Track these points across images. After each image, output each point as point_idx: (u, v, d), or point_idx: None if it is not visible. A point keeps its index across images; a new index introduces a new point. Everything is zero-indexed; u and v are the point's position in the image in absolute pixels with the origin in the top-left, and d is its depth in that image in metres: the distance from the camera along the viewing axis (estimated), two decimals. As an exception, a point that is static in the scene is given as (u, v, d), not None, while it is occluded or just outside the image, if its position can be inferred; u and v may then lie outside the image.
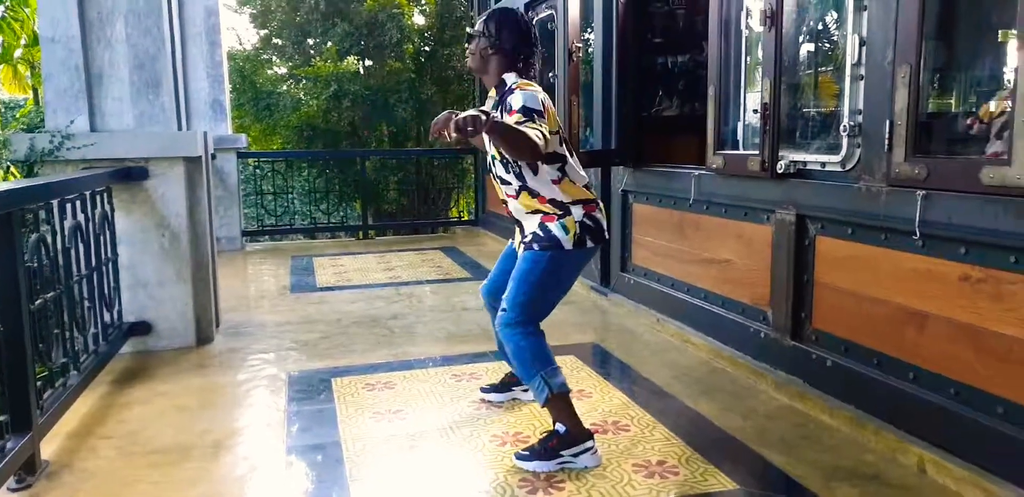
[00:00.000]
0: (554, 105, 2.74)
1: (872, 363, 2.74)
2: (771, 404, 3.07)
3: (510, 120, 2.44)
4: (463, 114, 2.16)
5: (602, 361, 3.72)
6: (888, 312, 2.66)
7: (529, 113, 2.44)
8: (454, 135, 2.17)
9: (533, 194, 2.61)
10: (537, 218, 2.62)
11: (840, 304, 2.91)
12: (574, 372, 3.45)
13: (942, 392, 2.44)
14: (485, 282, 2.98)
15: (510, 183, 2.64)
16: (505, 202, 2.73)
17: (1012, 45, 2.45)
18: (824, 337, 3.00)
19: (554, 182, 2.59)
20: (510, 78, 2.63)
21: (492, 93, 2.73)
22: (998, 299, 2.25)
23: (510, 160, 2.57)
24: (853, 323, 2.85)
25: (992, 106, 2.61)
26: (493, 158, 2.70)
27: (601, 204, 2.69)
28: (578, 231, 2.57)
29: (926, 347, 2.51)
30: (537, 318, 2.62)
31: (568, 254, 2.58)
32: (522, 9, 6.53)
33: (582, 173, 2.67)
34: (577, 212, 2.59)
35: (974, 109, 2.82)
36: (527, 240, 2.64)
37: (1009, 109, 2.24)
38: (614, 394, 3.18)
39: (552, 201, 2.60)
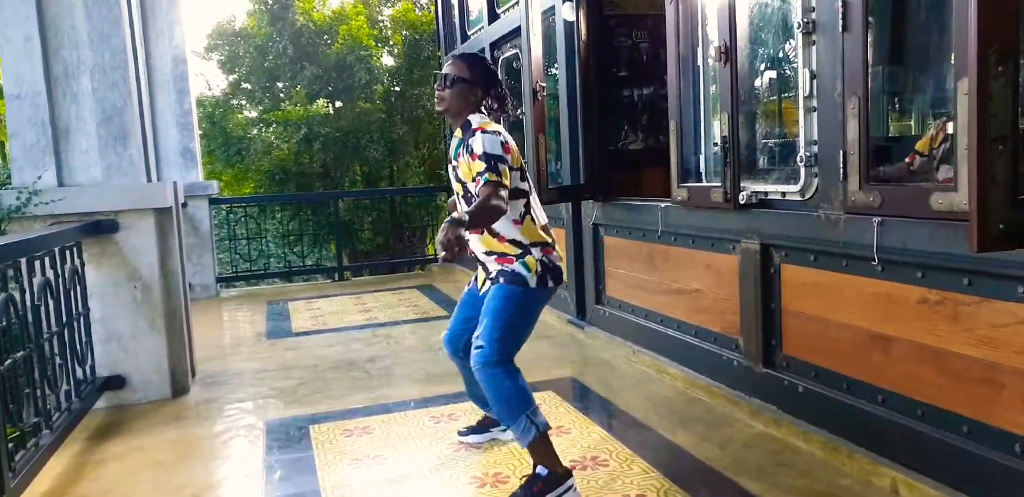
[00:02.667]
0: (522, 142, 2.81)
1: (842, 387, 2.78)
2: (747, 432, 3.09)
3: (474, 165, 2.53)
4: (439, 238, 2.24)
5: (580, 396, 3.73)
6: (854, 336, 2.71)
7: (490, 160, 2.50)
8: (446, 255, 2.24)
9: (493, 233, 2.65)
10: (495, 260, 2.68)
11: (808, 330, 2.96)
12: (553, 408, 3.46)
13: (909, 414, 2.48)
14: (446, 332, 2.96)
15: None
16: (467, 240, 2.75)
17: (951, 73, 2.55)
18: (795, 363, 3.04)
19: (515, 222, 2.64)
20: (474, 119, 2.70)
21: (457, 133, 2.78)
22: (956, 320, 2.30)
23: (474, 195, 2.61)
24: (821, 348, 2.89)
25: (931, 136, 2.70)
26: (457, 195, 2.75)
27: (557, 249, 2.73)
28: (539, 269, 2.62)
29: (892, 370, 2.56)
30: (512, 355, 2.62)
31: (533, 292, 2.62)
32: (488, 48, 6.69)
33: (542, 214, 2.74)
34: (536, 252, 2.64)
35: (919, 138, 2.91)
36: (492, 276, 2.68)
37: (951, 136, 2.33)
38: (592, 429, 3.19)
39: (512, 241, 2.65)
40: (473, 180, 2.58)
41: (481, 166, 2.51)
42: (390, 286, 7.61)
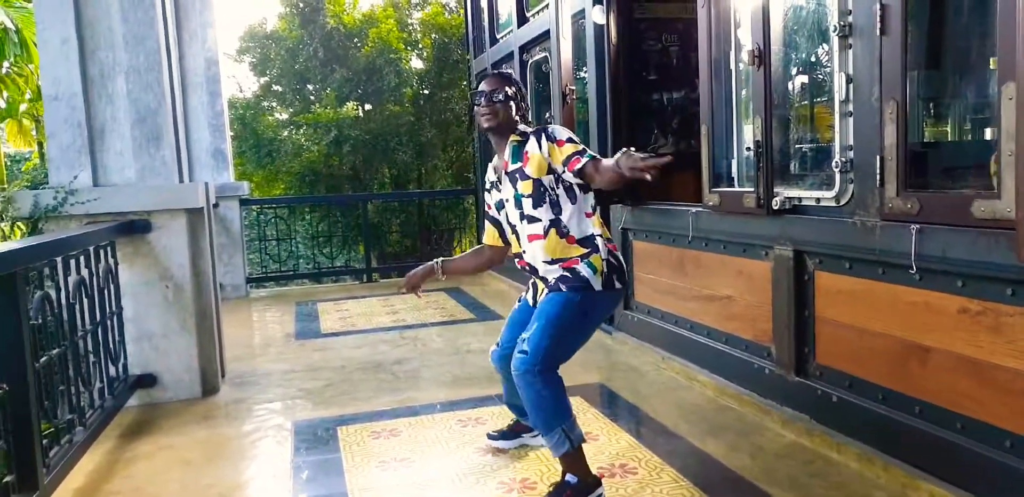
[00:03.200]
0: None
1: (877, 398, 2.73)
2: (778, 441, 3.05)
3: (562, 150, 2.55)
4: (634, 161, 2.29)
5: (609, 402, 3.70)
6: (890, 346, 2.66)
7: (577, 143, 2.58)
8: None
9: (562, 233, 2.59)
10: (558, 266, 2.60)
11: (842, 339, 2.91)
12: (581, 413, 3.42)
13: (949, 426, 2.43)
14: (495, 348, 2.91)
15: (539, 220, 2.61)
16: (521, 254, 2.71)
17: (995, 76, 2.50)
18: (828, 372, 2.99)
19: (587, 215, 2.63)
20: (525, 128, 2.75)
21: (513, 139, 2.71)
22: (997, 332, 2.25)
23: (547, 188, 2.59)
24: (856, 358, 2.84)
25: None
26: (519, 197, 2.65)
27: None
28: (605, 270, 2.58)
29: (930, 381, 2.50)
30: (557, 364, 2.55)
31: (598, 296, 2.57)
32: (517, 51, 6.69)
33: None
34: (603, 249, 2.61)
35: (958, 144, 2.85)
36: (551, 284, 2.62)
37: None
38: (621, 436, 3.16)
39: (581, 241, 2.60)
40: (557, 177, 2.59)
41: (575, 147, 2.55)
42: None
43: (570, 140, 2.59)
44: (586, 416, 3.41)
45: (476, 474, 2.85)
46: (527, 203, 2.64)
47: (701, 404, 3.56)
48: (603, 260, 2.59)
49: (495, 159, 2.84)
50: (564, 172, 2.57)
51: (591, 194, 2.67)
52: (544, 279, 2.67)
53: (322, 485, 2.83)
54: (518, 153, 2.68)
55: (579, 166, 2.51)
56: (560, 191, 2.61)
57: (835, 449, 2.85)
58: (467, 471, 2.88)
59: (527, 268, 2.72)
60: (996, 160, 2.20)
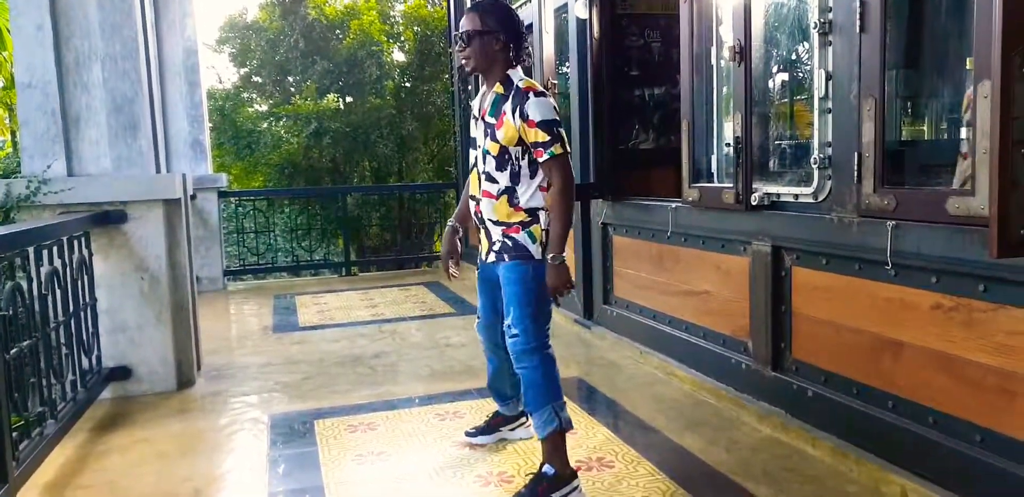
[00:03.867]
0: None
1: (852, 392, 2.75)
2: (754, 436, 3.07)
3: (530, 132, 2.51)
4: (555, 284, 2.52)
5: (587, 396, 3.71)
6: (865, 341, 2.68)
7: (551, 127, 2.51)
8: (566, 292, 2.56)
9: (512, 202, 2.60)
10: (500, 229, 2.64)
11: (818, 334, 2.93)
12: (558, 407, 3.44)
13: (921, 421, 2.46)
14: (479, 320, 2.94)
15: (497, 182, 2.61)
16: (477, 200, 2.69)
17: (971, 75, 2.52)
18: (804, 367, 3.02)
19: (542, 189, 2.61)
20: (516, 75, 2.61)
21: (498, 89, 2.61)
22: (970, 327, 2.28)
23: (512, 157, 2.57)
24: (832, 353, 2.87)
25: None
26: (486, 152, 2.63)
27: None
28: (544, 238, 2.60)
29: (903, 376, 2.53)
30: (547, 335, 2.63)
31: (539, 264, 2.59)
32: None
33: None
34: (543, 219, 2.61)
35: (934, 141, 2.88)
36: (496, 248, 2.65)
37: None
38: (598, 430, 3.17)
39: (527, 210, 2.60)
40: (525, 149, 2.56)
41: (544, 137, 2.49)
42: (397, 282, 7.60)
43: (543, 123, 2.49)
44: (564, 410, 3.41)
45: (453, 468, 2.85)
46: (491, 162, 2.62)
47: (678, 398, 3.57)
48: (543, 230, 2.61)
49: (483, 87, 2.74)
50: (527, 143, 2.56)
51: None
52: (488, 233, 2.69)
53: (298, 479, 2.81)
54: (497, 107, 2.60)
55: (540, 161, 2.54)
56: (524, 163, 2.59)
57: (810, 443, 2.88)
58: (444, 465, 2.88)
59: (478, 215, 2.72)
60: (965, 156, 2.22)
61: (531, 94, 2.52)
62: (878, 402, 2.63)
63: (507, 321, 2.63)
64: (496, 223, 2.65)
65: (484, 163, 2.64)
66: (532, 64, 2.76)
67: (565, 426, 2.58)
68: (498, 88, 2.62)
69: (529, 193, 2.61)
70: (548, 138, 2.50)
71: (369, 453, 3.00)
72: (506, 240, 2.62)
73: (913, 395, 2.50)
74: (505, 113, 2.56)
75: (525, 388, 2.62)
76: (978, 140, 2.15)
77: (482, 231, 2.74)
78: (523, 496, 2.50)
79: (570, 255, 2.74)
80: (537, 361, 2.58)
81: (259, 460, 3.00)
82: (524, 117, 2.51)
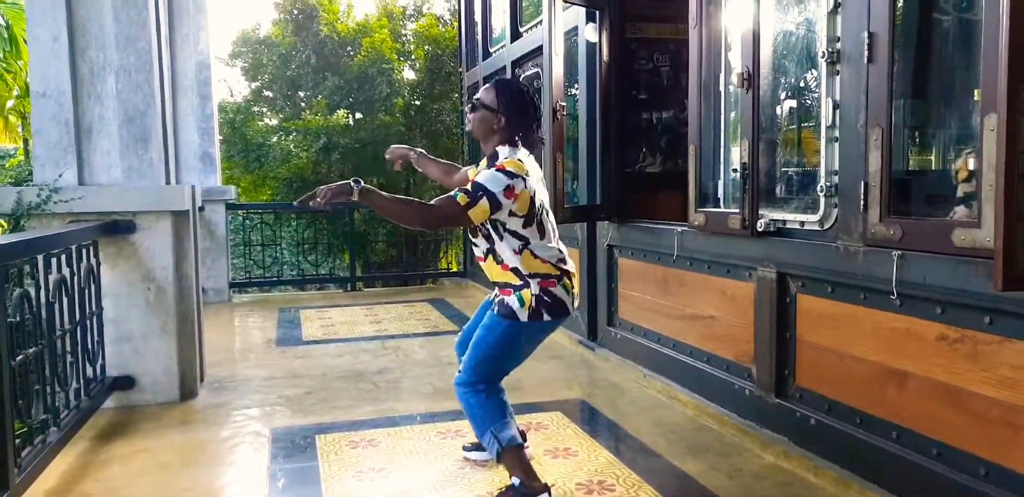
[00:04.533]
0: (541, 165, 2.83)
1: (855, 422, 2.75)
2: (757, 463, 3.06)
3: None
4: (328, 187, 2.51)
5: (589, 418, 3.70)
6: (869, 371, 2.68)
7: (475, 189, 2.50)
8: (318, 200, 2.51)
9: (498, 260, 2.69)
10: (496, 289, 2.76)
11: (822, 362, 2.93)
12: (560, 429, 3.44)
13: (924, 452, 2.45)
14: (459, 336, 3.06)
15: (478, 245, 2.74)
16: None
17: (978, 107, 2.54)
18: (808, 395, 3.01)
19: (515, 252, 2.65)
20: (503, 152, 2.69)
21: (483, 162, 2.79)
22: (975, 359, 2.28)
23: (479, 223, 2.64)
24: (836, 381, 2.86)
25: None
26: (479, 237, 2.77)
27: (568, 279, 2.70)
28: (533, 304, 2.63)
29: (907, 407, 2.53)
30: (489, 380, 2.71)
31: (523, 326, 2.65)
32: (509, 66, 6.73)
33: (553, 248, 2.70)
34: (534, 286, 2.65)
35: (950, 168, 2.90)
36: (495, 300, 2.76)
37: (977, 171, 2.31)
38: (600, 452, 3.17)
39: (514, 270, 2.67)
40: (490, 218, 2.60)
41: (468, 187, 2.52)
42: (402, 298, 7.61)
43: (475, 183, 2.51)
44: (565, 432, 3.41)
45: (453, 485, 2.84)
46: (469, 229, 2.73)
47: (681, 423, 3.57)
48: (532, 296, 2.63)
49: None
50: None
51: (515, 241, 2.62)
52: (495, 285, 2.79)
53: (298, 493, 2.81)
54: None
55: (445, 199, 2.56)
56: (488, 227, 2.64)
57: (812, 472, 2.87)
58: (444, 482, 2.87)
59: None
60: (966, 180, 2.23)
61: (495, 169, 2.56)
62: (882, 432, 2.63)
63: (466, 355, 2.75)
64: (494, 284, 2.76)
65: (468, 230, 2.75)
66: (542, 145, 2.87)
67: (507, 445, 2.63)
68: (484, 162, 2.78)
69: (506, 254, 2.65)
70: (468, 189, 2.51)
71: (370, 469, 3.00)
72: (502, 298, 2.71)
73: (917, 426, 2.49)
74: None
75: (468, 418, 2.74)
76: (984, 173, 2.17)
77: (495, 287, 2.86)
78: None
79: (574, 284, 2.76)
80: (470, 393, 2.69)
81: (259, 473, 3.00)
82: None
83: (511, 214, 2.57)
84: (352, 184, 2.48)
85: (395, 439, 3.34)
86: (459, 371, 2.75)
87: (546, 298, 2.64)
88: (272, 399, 4.02)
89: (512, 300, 2.65)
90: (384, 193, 2.53)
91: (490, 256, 2.71)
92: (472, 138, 2.82)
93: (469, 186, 2.53)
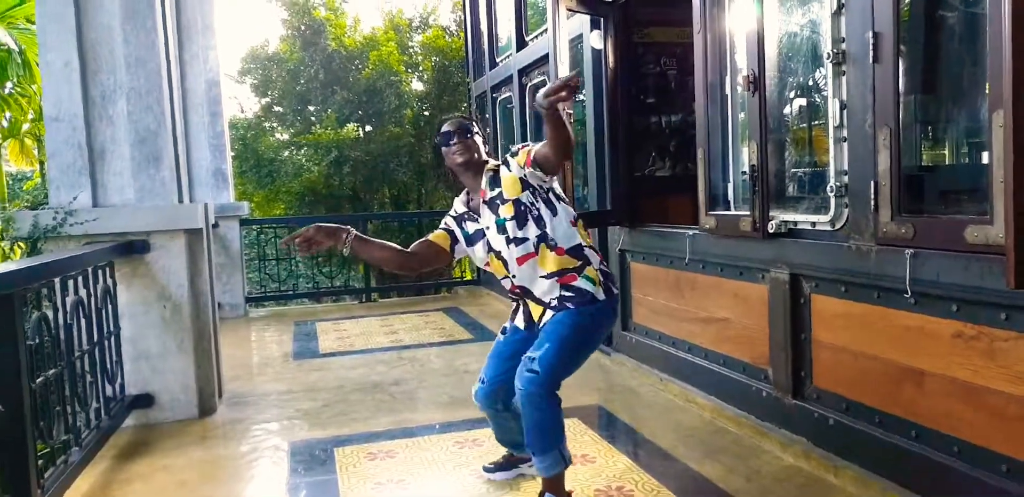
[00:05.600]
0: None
1: (874, 421, 2.73)
2: (776, 464, 3.04)
3: (519, 158, 2.63)
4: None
5: (606, 424, 3.69)
6: (886, 370, 2.66)
7: (527, 145, 2.64)
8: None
9: (551, 245, 2.60)
10: (555, 283, 2.61)
11: (839, 362, 2.91)
12: (578, 436, 3.43)
13: (945, 450, 2.43)
14: (481, 385, 2.82)
15: (526, 239, 2.61)
16: (511, 278, 2.68)
17: (986, 104, 2.53)
18: (825, 395, 3.00)
19: (572, 223, 2.65)
20: (491, 161, 2.77)
21: (481, 182, 2.72)
22: (992, 356, 2.26)
23: (527, 205, 2.59)
24: (853, 381, 2.85)
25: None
26: (502, 222, 2.64)
27: None
28: (601, 279, 2.63)
29: (926, 405, 2.51)
30: (561, 383, 2.57)
31: (604, 306, 2.62)
32: (516, 75, 6.75)
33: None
34: (594, 259, 2.65)
35: (954, 167, 2.88)
36: (554, 306, 2.62)
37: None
38: (618, 458, 3.16)
39: (570, 252, 2.60)
40: (533, 189, 2.63)
41: (524, 148, 2.63)
42: (417, 308, 7.62)
43: (523, 145, 2.67)
44: (583, 438, 3.40)
45: (472, 496, 2.84)
46: (511, 226, 2.62)
47: (698, 426, 3.55)
48: (596, 270, 2.63)
49: (462, 195, 2.83)
50: (528, 173, 2.60)
51: (569, 206, 2.71)
52: (540, 301, 2.66)
53: (317, 507, 2.82)
54: (495, 181, 2.69)
55: (531, 152, 2.59)
56: (540, 205, 2.62)
57: (832, 472, 2.85)
58: (463, 493, 2.88)
59: (518, 291, 2.70)
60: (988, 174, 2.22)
61: (507, 156, 2.70)
62: (901, 431, 2.60)
63: (532, 354, 2.54)
64: (548, 276, 2.61)
65: (505, 233, 2.64)
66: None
67: (568, 463, 2.60)
68: (488, 169, 2.74)
69: (561, 230, 2.61)
70: (528, 144, 2.65)
71: (388, 481, 3.00)
72: (566, 292, 2.60)
73: (936, 424, 2.47)
74: (501, 176, 2.66)
75: (528, 431, 2.56)
76: (994, 169, 2.16)
77: (526, 304, 2.74)
78: None
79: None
80: (547, 402, 2.51)
81: (279, 488, 3.01)
82: (513, 154, 2.66)
83: (543, 176, 2.63)
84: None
85: (413, 450, 3.35)
86: (527, 379, 2.49)
87: (606, 269, 2.69)
88: (290, 413, 4.04)
89: (581, 283, 2.59)
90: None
91: (542, 245, 2.60)
92: (461, 166, 2.72)
93: (523, 149, 2.63)
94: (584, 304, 2.58)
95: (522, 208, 2.61)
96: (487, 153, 2.79)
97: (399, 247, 2.82)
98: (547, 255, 2.60)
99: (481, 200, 2.72)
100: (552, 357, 2.50)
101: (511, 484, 2.94)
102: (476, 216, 2.75)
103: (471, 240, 2.77)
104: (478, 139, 2.74)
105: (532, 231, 2.61)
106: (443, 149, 2.75)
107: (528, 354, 2.56)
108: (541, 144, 2.57)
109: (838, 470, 2.82)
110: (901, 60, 2.61)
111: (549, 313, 2.64)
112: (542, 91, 2.34)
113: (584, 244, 2.65)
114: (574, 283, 2.60)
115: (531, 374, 2.50)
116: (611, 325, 2.74)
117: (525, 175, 2.61)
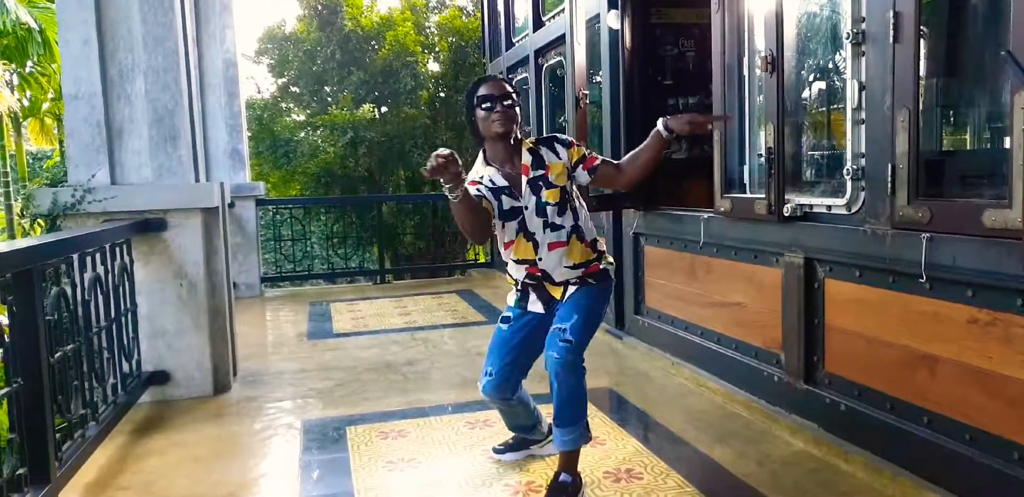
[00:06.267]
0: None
1: (886, 407, 2.71)
2: (786, 449, 3.04)
3: (575, 152, 2.72)
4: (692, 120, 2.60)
5: (617, 407, 3.70)
6: (899, 355, 2.65)
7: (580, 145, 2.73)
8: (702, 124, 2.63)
9: (582, 237, 2.70)
10: (578, 272, 2.71)
11: (852, 347, 2.90)
12: (589, 418, 3.43)
13: (957, 437, 2.41)
14: (489, 378, 2.75)
15: (562, 227, 2.65)
16: (535, 261, 2.67)
17: (1007, 87, 2.48)
18: (837, 381, 2.98)
19: (588, 217, 2.78)
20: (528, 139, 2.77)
21: (528, 145, 2.69)
22: (1008, 342, 2.24)
23: (569, 194, 2.68)
24: (865, 366, 2.83)
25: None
26: (544, 204, 2.63)
27: None
28: (612, 261, 2.81)
29: (938, 391, 2.49)
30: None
31: (611, 285, 2.83)
32: (532, 55, 6.70)
33: None
34: (604, 248, 2.80)
35: (974, 152, 2.84)
36: (576, 283, 2.72)
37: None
38: (628, 441, 3.17)
39: (592, 245, 2.74)
40: (579, 163, 2.71)
41: (584, 149, 2.72)
42: (430, 290, 7.65)
43: (575, 142, 2.74)
44: (594, 421, 3.39)
45: (483, 476, 2.86)
46: (552, 211, 2.64)
47: (709, 410, 3.55)
48: (609, 256, 2.82)
49: (490, 166, 2.71)
50: (578, 173, 2.71)
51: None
52: (560, 283, 2.72)
53: (329, 484, 2.85)
54: (539, 161, 2.66)
55: (596, 163, 2.69)
56: (576, 195, 2.74)
57: (843, 458, 2.84)
58: (474, 473, 2.90)
59: (537, 275, 2.70)
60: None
61: (555, 135, 2.75)
62: (913, 417, 2.59)
63: (563, 325, 2.58)
64: (574, 267, 2.69)
65: (545, 216, 2.65)
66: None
67: (591, 439, 2.70)
68: (528, 144, 2.70)
69: (589, 223, 2.76)
70: (588, 150, 2.75)
71: (400, 460, 3.03)
72: (588, 278, 2.72)
73: (949, 411, 2.46)
74: (547, 159, 2.67)
75: (564, 402, 2.57)
76: (1014, 152, 2.12)
77: (542, 288, 2.74)
78: None
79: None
80: (580, 373, 2.61)
81: (291, 465, 3.04)
82: (566, 145, 2.71)
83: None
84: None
85: (425, 430, 3.37)
86: (565, 348, 2.52)
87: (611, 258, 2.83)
88: (303, 392, 4.07)
89: (605, 267, 2.75)
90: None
91: (574, 236, 2.66)
92: (499, 136, 2.62)
93: (582, 149, 2.72)
94: (601, 281, 2.75)
95: (564, 196, 2.67)
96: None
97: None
98: (576, 246, 2.69)
99: (524, 176, 2.66)
100: (582, 327, 2.59)
101: (520, 465, 2.96)
102: (516, 193, 2.66)
103: (504, 216, 2.67)
104: (518, 110, 2.67)
105: (569, 220, 2.68)
106: (479, 112, 2.61)
107: (557, 326, 2.61)
108: (614, 162, 2.72)
109: (848, 456, 2.82)
110: (922, 41, 2.56)
111: (572, 288, 2.72)
112: (685, 117, 2.52)
113: (596, 236, 2.80)
114: (595, 272, 2.74)
115: (565, 344, 2.55)
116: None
117: (573, 171, 2.71)
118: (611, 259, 2.81)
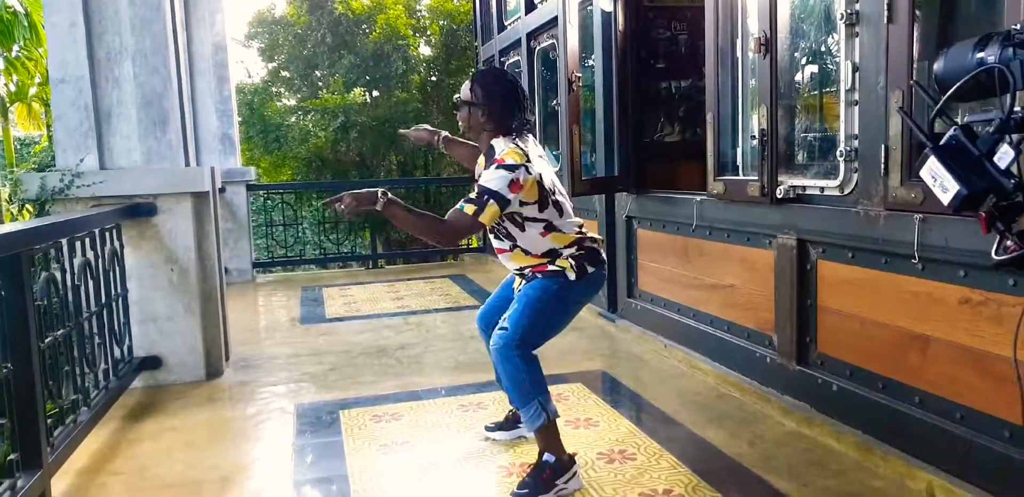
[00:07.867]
0: (557, 133, 2.80)
1: (878, 387, 2.73)
2: (778, 430, 3.05)
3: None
4: (350, 197, 2.45)
5: (610, 389, 3.71)
6: (891, 336, 2.66)
7: (479, 195, 2.48)
8: (342, 208, 2.47)
9: (526, 251, 2.66)
10: (530, 272, 2.69)
11: (844, 328, 2.91)
12: (581, 400, 3.45)
13: (948, 416, 2.43)
14: (482, 307, 3.01)
15: (502, 240, 2.69)
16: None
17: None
18: (829, 361, 3.00)
19: (542, 235, 2.63)
20: (499, 145, 2.63)
21: (482, 160, 2.76)
22: (999, 322, 2.25)
23: (501, 223, 2.62)
24: (857, 347, 2.84)
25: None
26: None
27: (596, 237, 2.75)
28: (573, 263, 2.63)
29: (930, 371, 2.51)
30: (534, 344, 2.61)
31: (573, 284, 2.62)
32: (524, 38, 6.66)
33: (572, 223, 2.70)
34: (565, 252, 2.65)
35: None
36: (528, 275, 2.70)
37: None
38: (621, 422, 3.18)
39: (547, 253, 2.65)
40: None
41: (472, 194, 2.50)
42: (423, 275, 7.64)
43: (480, 187, 2.50)
44: (587, 403, 3.42)
45: (476, 458, 2.87)
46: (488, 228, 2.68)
47: (702, 392, 3.57)
48: (567, 258, 2.64)
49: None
50: None
51: (538, 226, 2.61)
52: (522, 274, 2.76)
53: (323, 467, 2.86)
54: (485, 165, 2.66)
55: (454, 212, 2.53)
56: (507, 224, 2.62)
57: (835, 438, 2.86)
58: (467, 455, 2.91)
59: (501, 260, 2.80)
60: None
61: (496, 165, 2.52)
62: (905, 397, 2.61)
63: (506, 314, 2.63)
64: (520, 269, 2.72)
65: (489, 232, 2.71)
66: (531, 125, 2.75)
67: (552, 417, 2.59)
68: (481, 158, 2.74)
69: (531, 242, 2.64)
70: (473, 197, 2.49)
71: (393, 442, 3.04)
72: (537, 274, 2.66)
73: (940, 390, 2.47)
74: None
75: (507, 385, 2.63)
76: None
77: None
78: (528, 484, 2.52)
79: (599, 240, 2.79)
80: (519, 358, 2.55)
81: (285, 449, 3.05)
82: (495, 164, 2.53)
83: (523, 204, 2.56)
84: (379, 195, 2.44)
85: (418, 413, 3.38)
86: (497, 335, 2.59)
87: (580, 252, 2.65)
88: (296, 376, 4.07)
89: (553, 268, 2.63)
90: (407, 206, 2.51)
91: (517, 249, 2.67)
92: (470, 137, 2.78)
93: (473, 193, 2.51)
94: (551, 276, 2.63)
95: (495, 224, 2.63)
96: (490, 124, 2.66)
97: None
98: (520, 257, 2.69)
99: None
100: (520, 317, 2.58)
101: (510, 445, 2.97)
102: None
103: None
104: (471, 110, 2.66)
105: (505, 241, 2.69)
106: None
107: (504, 316, 2.65)
108: (447, 217, 2.52)
109: (840, 436, 2.84)
110: (916, 21, 2.55)
111: (522, 281, 2.74)
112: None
113: (557, 247, 2.64)
114: (543, 270, 2.66)
115: (501, 331, 2.60)
116: (587, 298, 2.75)
117: None
118: (568, 259, 2.63)
